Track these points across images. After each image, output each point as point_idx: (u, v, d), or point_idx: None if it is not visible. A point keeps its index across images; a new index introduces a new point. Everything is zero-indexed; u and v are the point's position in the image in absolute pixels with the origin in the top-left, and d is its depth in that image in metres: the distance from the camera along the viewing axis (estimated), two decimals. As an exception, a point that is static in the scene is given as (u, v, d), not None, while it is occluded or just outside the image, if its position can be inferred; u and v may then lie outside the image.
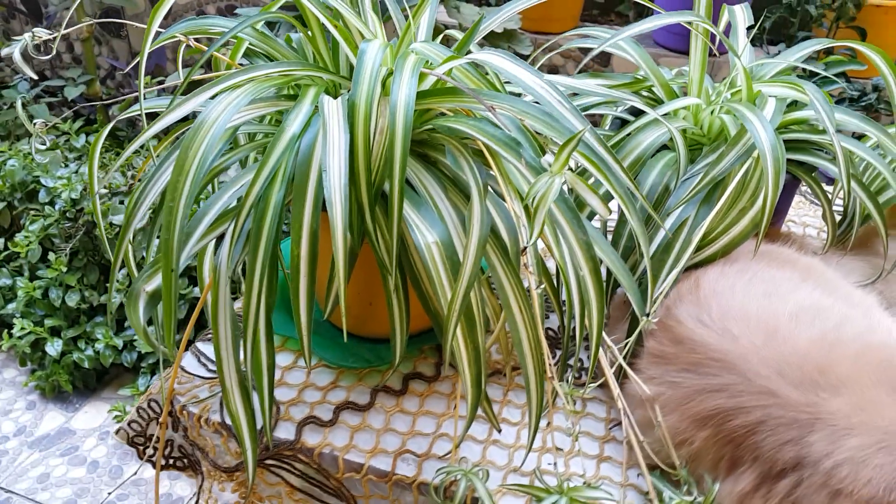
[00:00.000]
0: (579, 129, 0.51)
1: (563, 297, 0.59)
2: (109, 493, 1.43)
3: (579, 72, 0.78)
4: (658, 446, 0.59)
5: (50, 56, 0.75)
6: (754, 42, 1.54)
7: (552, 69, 1.85)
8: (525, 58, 1.86)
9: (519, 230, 0.57)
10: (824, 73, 0.81)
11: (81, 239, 1.64)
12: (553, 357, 0.74)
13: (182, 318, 1.57)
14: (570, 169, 0.61)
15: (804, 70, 1.08)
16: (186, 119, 0.58)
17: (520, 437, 0.65)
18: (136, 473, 1.48)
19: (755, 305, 0.59)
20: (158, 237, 0.54)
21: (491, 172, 0.58)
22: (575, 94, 0.73)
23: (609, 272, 0.66)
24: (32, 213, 1.70)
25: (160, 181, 0.60)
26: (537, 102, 0.54)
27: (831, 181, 0.82)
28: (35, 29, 0.72)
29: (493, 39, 1.63)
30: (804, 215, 0.98)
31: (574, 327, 0.59)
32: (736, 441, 0.55)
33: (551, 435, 0.61)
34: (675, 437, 0.57)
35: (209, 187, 0.74)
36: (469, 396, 0.55)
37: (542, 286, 0.61)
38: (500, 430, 0.64)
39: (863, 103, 1.26)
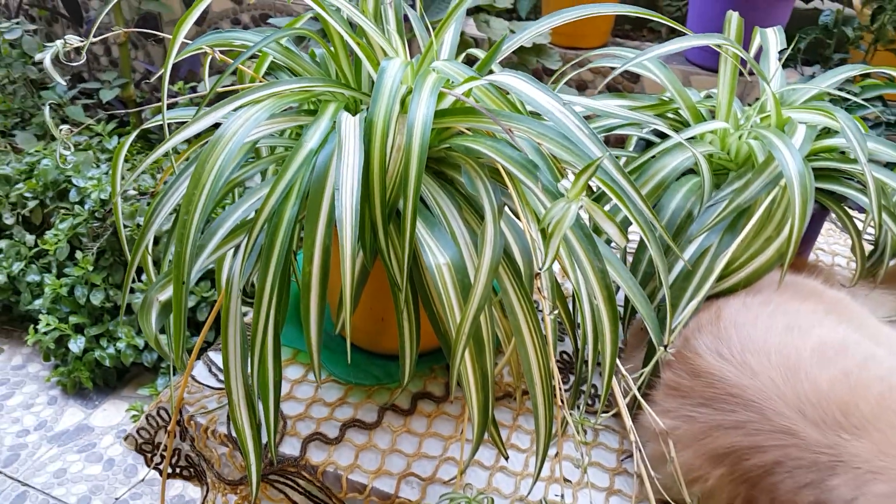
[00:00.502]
0: (598, 156, 0.50)
1: (578, 319, 0.58)
2: (124, 493, 1.44)
3: (607, 90, 0.77)
4: (670, 482, 0.57)
5: (82, 61, 0.76)
6: (788, 63, 1.52)
7: (581, 85, 1.84)
8: (553, 73, 1.85)
9: (534, 253, 0.56)
10: (856, 99, 0.78)
11: (108, 239, 1.66)
12: (566, 381, 0.73)
13: (203, 319, 1.58)
14: (591, 190, 0.60)
15: (841, 91, 1.06)
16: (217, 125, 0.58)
17: (528, 465, 0.63)
18: (148, 474, 1.49)
19: (777, 339, 0.57)
20: (173, 247, 0.54)
21: (507, 191, 0.57)
22: (596, 116, 0.71)
23: (626, 298, 0.64)
24: (63, 211, 1.73)
25: (178, 191, 0.60)
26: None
27: (863, 210, 0.79)
28: (67, 36, 0.73)
29: (522, 54, 1.62)
30: (833, 243, 0.95)
31: (587, 353, 0.57)
32: (752, 481, 0.53)
33: (560, 464, 0.59)
34: (689, 474, 0.55)
35: (232, 193, 0.74)
36: (475, 423, 0.54)
37: (556, 311, 0.59)
38: (507, 457, 0.63)
39: (900, 129, 1.23)
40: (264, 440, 0.60)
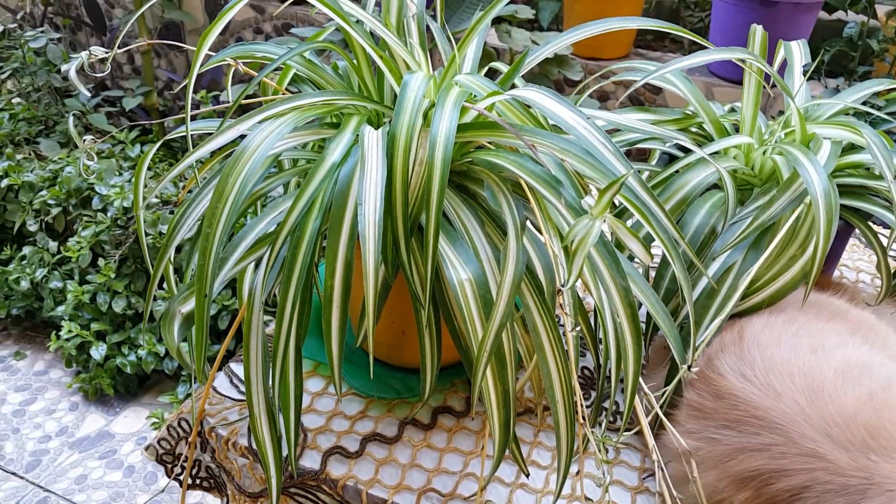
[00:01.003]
0: (622, 173, 0.50)
1: (600, 335, 0.58)
2: (144, 500, 1.45)
3: (629, 102, 0.76)
4: (692, 501, 0.56)
5: (106, 73, 0.77)
6: (812, 75, 1.50)
7: (603, 96, 1.84)
8: (575, 83, 1.85)
9: (557, 270, 0.55)
10: (879, 114, 0.77)
11: (131, 246, 1.68)
12: (587, 397, 0.72)
13: (224, 328, 1.59)
14: (613, 206, 0.59)
15: (864, 104, 1.05)
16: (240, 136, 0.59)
17: (548, 482, 0.63)
18: (168, 483, 1.50)
19: (801, 361, 0.56)
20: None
21: (529, 206, 0.57)
22: (617, 130, 0.71)
23: (649, 315, 0.64)
24: (86, 219, 1.75)
25: (202, 203, 0.60)
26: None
27: (888, 227, 0.78)
28: (92, 48, 0.74)
29: (544, 65, 1.62)
30: (858, 259, 0.94)
31: (610, 369, 0.57)
32: (778, 505, 0.52)
33: (581, 482, 0.59)
34: (712, 496, 0.55)
35: (255, 206, 0.74)
36: (496, 439, 0.54)
37: (578, 328, 0.59)
38: (528, 475, 0.62)
39: (927, 143, 1.21)
40: (285, 453, 0.60)
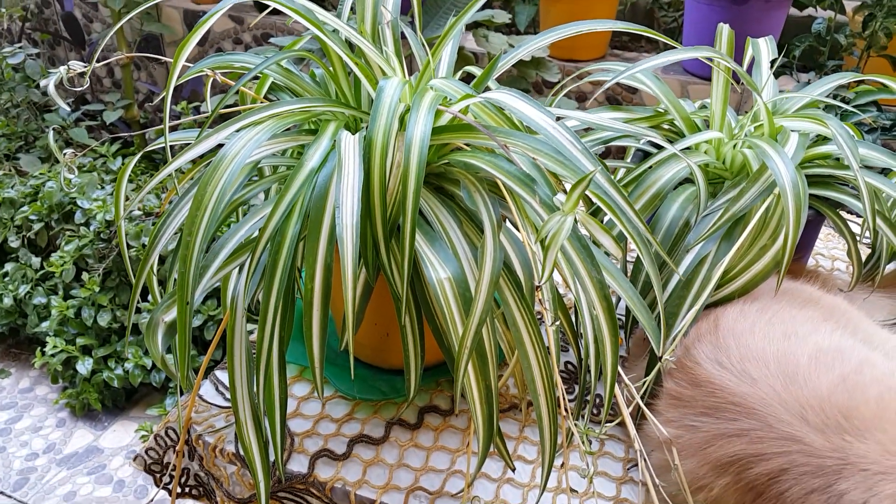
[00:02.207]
0: (590, 169, 0.51)
1: (581, 330, 0.59)
2: (134, 514, 1.45)
3: (608, 102, 0.78)
4: (676, 489, 0.57)
5: (85, 87, 0.77)
6: (784, 70, 1.53)
7: (581, 96, 1.85)
8: (553, 85, 1.87)
9: (535, 266, 0.57)
10: (847, 107, 0.79)
11: (114, 259, 1.67)
12: (571, 391, 0.73)
13: (210, 338, 1.59)
14: (591, 203, 0.61)
15: (835, 97, 1.07)
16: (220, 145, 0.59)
17: (534, 476, 0.64)
18: (157, 494, 1.49)
19: (775, 347, 0.57)
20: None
21: (506, 204, 0.58)
22: (591, 129, 0.72)
23: (628, 308, 0.65)
24: (68, 233, 1.74)
25: (182, 212, 0.61)
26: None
27: (860, 215, 0.80)
28: (71, 63, 0.74)
29: (521, 67, 1.63)
30: (833, 248, 0.96)
31: (590, 363, 0.58)
32: (757, 489, 0.53)
33: (566, 475, 0.60)
34: (694, 483, 0.56)
35: (236, 212, 0.75)
36: (480, 436, 0.54)
37: (557, 323, 0.60)
38: (513, 469, 0.63)
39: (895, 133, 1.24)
40: (272, 458, 0.60)
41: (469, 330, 0.51)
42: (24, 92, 2.16)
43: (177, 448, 0.70)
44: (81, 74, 0.74)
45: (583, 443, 0.57)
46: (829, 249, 0.96)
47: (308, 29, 0.65)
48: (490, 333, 0.57)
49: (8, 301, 1.72)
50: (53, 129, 1.98)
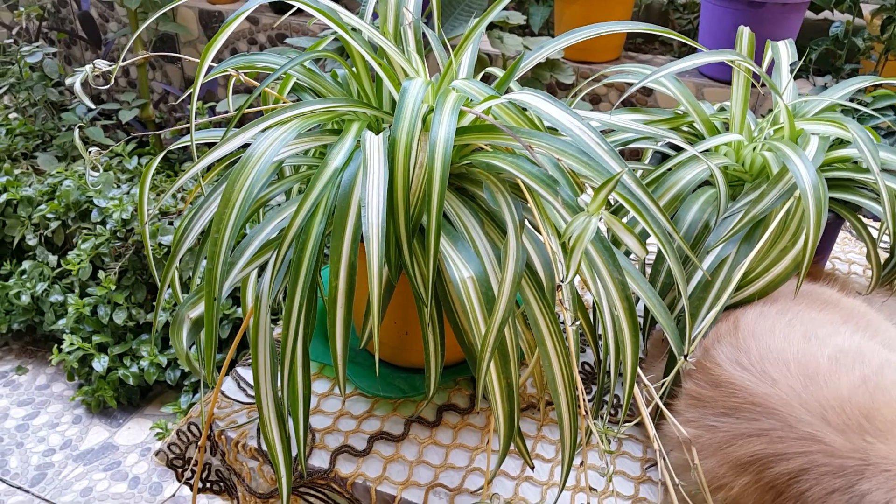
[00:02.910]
0: (617, 171, 0.52)
1: (600, 330, 0.59)
2: (148, 510, 1.46)
3: (621, 106, 0.78)
4: (695, 489, 0.58)
5: (107, 87, 0.78)
6: (800, 73, 1.53)
7: (595, 99, 1.86)
8: (567, 87, 1.87)
9: (555, 266, 0.57)
10: (866, 110, 0.79)
11: (130, 258, 1.69)
12: (589, 391, 0.74)
13: (225, 337, 1.60)
14: (609, 204, 0.61)
15: (853, 101, 1.07)
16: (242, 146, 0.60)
17: (553, 475, 0.64)
18: (174, 495, 1.50)
19: (795, 349, 0.58)
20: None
21: (528, 205, 0.58)
22: (612, 131, 0.73)
23: (646, 309, 0.65)
24: (85, 232, 1.76)
25: (208, 211, 0.62)
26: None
27: (878, 219, 0.80)
28: (96, 61, 0.75)
29: (536, 69, 1.64)
30: (850, 252, 0.96)
31: (609, 363, 0.58)
32: (777, 489, 0.54)
33: (585, 474, 0.60)
34: (713, 482, 0.56)
35: (257, 213, 0.76)
36: (501, 433, 0.55)
37: (578, 322, 0.61)
38: (532, 467, 0.64)
39: (914, 137, 1.23)
40: (294, 453, 0.61)
41: (492, 329, 0.52)
42: (42, 91, 2.19)
43: (199, 443, 0.71)
44: (103, 74, 0.75)
45: (601, 442, 0.57)
46: (846, 253, 0.96)
47: (326, 30, 0.65)
48: (512, 332, 0.57)
49: (25, 298, 1.74)
50: (76, 127, 2.00)
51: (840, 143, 0.75)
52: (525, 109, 0.63)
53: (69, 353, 1.64)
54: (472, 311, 0.55)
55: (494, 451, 0.65)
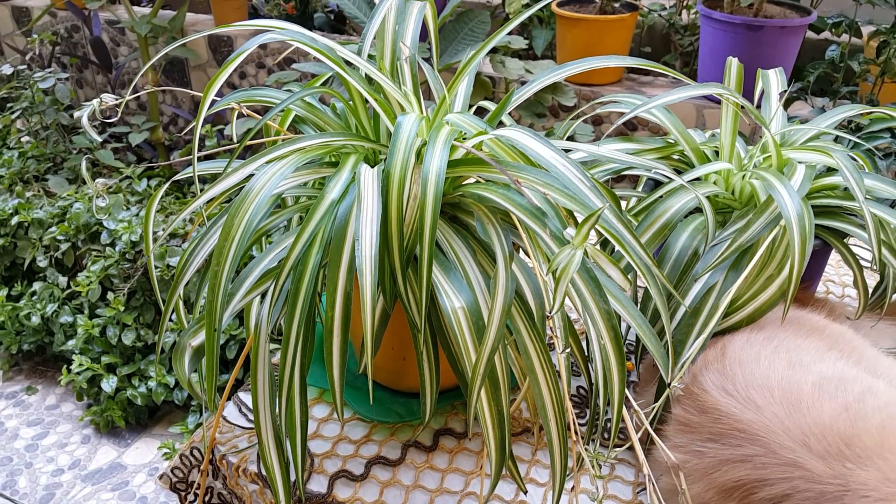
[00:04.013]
0: (598, 205, 0.53)
1: (591, 355, 0.61)
2: (155, 529, 1.48)
3: (613, 134, 0.80)
4: (682, 513, 0.59)
5: (116, 118, 0.81)
6: (800, 94, 1.54)
7: (597, 119, 1.88)
8: (570, 109, 1.89)
9: (546, 296, 0.59)
10: (853, 139, 0.81)
11: (139, 280, 1.72)
12: (584, 415, 0.75)
13: (232, 357, 1.62)
14: (600, 235, 0.63)
15: (849, 124, 1.08)
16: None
17: (546, 499, 0.65)
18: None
19: (779, 376, 0.59)
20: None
21: (518, 235, 0.60)
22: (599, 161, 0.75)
23: (638, 336, 0.67)
24: (94, 253, 1.79)
25: (210, 240, 0.64)
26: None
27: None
28: (103, 95, 0.78)
29: (538, 93, 1.66)
30: (844, 275, 0.97)
31: (599, 389, 0.60)
32: (760, 513, 0.55)
33: (577, 498, 0.61)
34: (699, 506, 0.57)
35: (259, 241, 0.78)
36: (493, 459, 0.57)
37: (568, 350, 0.62)
38: (525, 491, 0.65)
39: (910, 159, 1.25)
40: (293, 478, 0.63)
41: (482, 358, 0.54)
42: (54, 115, 2.23)
43: (201, 467, 0.72)
44: (109, 107, 0.77)
45: (593, 467, 0.59)
46: (840, 276, 0.97)
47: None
48: (502, 360, 0.59)
49: (35, 319, 1.77)
50: (87, 157, 2.04)
51: (830, 170, 0.77)
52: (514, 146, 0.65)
53: (78, 373, 1.66)
54: (464, 340, 0.57)
55: (488, 475, 0.66)
